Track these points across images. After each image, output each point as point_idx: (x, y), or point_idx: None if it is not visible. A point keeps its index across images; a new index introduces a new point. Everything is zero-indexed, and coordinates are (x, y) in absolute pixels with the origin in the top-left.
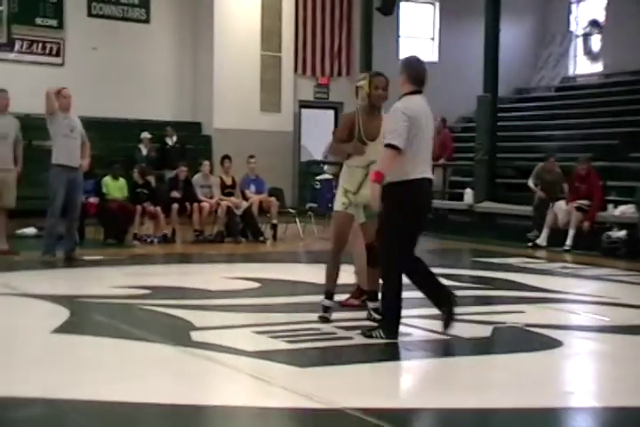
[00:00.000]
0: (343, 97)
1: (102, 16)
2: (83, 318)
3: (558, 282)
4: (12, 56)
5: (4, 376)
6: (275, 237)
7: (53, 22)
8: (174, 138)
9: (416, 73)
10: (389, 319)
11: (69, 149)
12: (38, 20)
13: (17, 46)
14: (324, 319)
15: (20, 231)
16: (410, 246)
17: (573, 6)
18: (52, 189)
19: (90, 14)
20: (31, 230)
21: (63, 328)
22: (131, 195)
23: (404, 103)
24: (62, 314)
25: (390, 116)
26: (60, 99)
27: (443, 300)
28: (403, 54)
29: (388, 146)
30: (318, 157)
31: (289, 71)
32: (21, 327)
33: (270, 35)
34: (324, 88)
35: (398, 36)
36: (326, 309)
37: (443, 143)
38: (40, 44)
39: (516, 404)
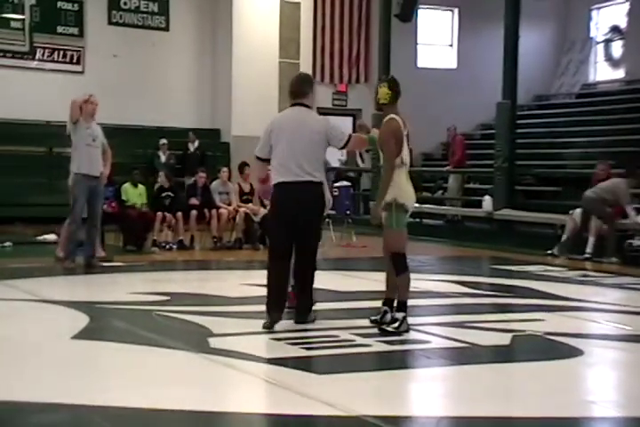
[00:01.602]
0: (361, 104)
1: (122, 24)
2: (102, 324)
3: (579, 290)
4: (33, 64)
5: (24, 382)
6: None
7: (74, 30)
8: (196, 144)
9: (290, 88)
10: (268, 301)
11: (91, 159)
12: (59, 29)
13: (38, 54)
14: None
15: (40, 238)
16: (279, 242)
17: (594, 12)
18: (73, 196)
19: (110, 22)
20: (52, 237)
21: (83, 334)
22: (154, 200)
23: (275, 116)
24: (82, 320)
25: None
26: (86, 104)
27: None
28: (421, 61)
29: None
30: (336, 163)
31: None
32: (41, 333)
33: (288, 42)
34: (342, 95)
35: (416, 43)
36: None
37: (455, 150)
38: (61, 53)
39: (537, 413)
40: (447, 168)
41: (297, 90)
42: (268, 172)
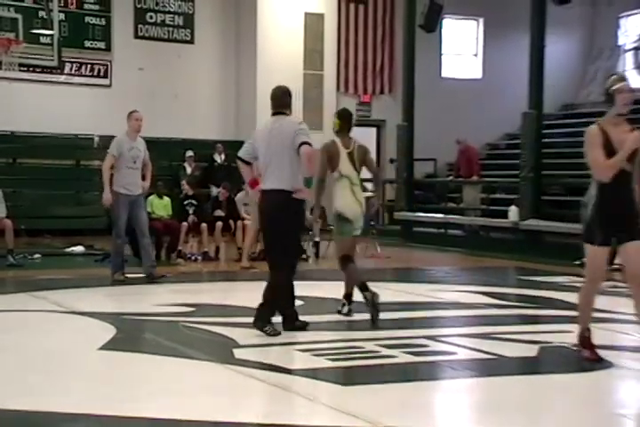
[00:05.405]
0: (385, 115)
1: (148, 37)
2: (129, 335)
3: (608, 301)
4: (62, 78)
5: (51, 392)
6: (317, 254)
7: (101, 45)
8: (223, 156)
9: (272, 98)
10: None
11: (131, 181)
12: (87, 43)
13: (67, 69)
14: None
15: (68, 249)
16: (268, 246)
17: (622, 20)
18: (115, 212)
19: (136, 36)
20: (79, 249)
21: (110, 345)
22: (179, 209)
23: (258, 127)
24: (109, 331)
25: None
26: (131, 121)
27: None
28: (445, 71)
29: None
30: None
31: (331, 89)
32: (69, 344)
33: (312, 53)
34: (366, 106)
35: (441, 53)
36: None
37: (469, 160)
38: (89, 67)
39: (565, 426)
40: (451, 178)
41: (273, 100)
42: (256, 176)
